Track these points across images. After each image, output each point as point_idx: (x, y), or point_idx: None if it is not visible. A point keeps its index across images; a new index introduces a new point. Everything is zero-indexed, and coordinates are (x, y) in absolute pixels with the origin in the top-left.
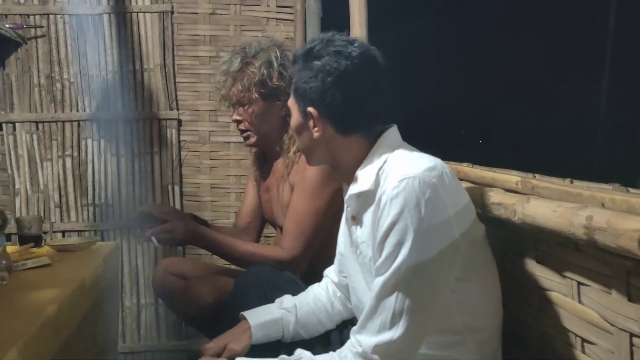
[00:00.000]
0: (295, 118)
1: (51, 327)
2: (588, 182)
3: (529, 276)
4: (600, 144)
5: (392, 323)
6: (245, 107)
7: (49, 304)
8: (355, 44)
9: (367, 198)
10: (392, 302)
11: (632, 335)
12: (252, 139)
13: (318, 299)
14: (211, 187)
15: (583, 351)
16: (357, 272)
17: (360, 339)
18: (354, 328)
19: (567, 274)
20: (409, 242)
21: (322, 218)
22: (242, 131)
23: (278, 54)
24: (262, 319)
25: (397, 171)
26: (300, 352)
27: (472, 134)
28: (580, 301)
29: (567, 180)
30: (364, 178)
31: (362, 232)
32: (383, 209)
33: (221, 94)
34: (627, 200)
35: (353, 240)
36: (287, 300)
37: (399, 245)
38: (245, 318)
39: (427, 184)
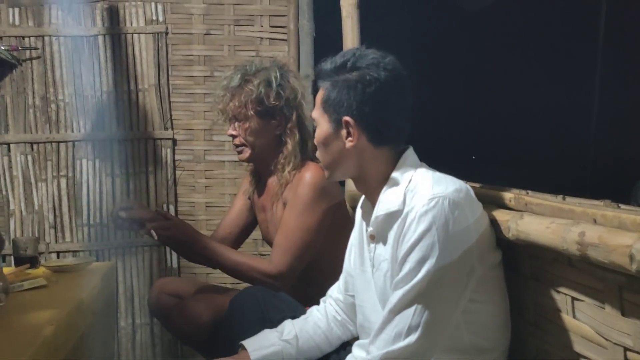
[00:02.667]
0: (323, 129)
1: (49, 348)
2: (580, 198)
3: (524, 292)
4: (592, 159)
5: (407, 334)
6: (241, 123)
7: (46, 325)
8: (388, 58)
9: (392, 217)
10: (410, 314)
11: (626, 349)
12: (246, 154)
13: (318, 325)
14: (206, 206)
15: None
16: (367, 291)
17: (370, 349)
18: (360, 341)
19: (562, 289)
20: (433, 259)
21: (313, 234)
22: (237, 145)
23: (278, 74)
24: (262, 352)
25: (426, 190)
26: None
27: (464, 150)
28: (574, 316)
29: (560, 197)
30: (391, 198)
31: (384, 250)
32: (410, 225)
33: (219, 108)
34: (618, 216)
35: (370, 259)
36: (287, 329)
37: (422, 260)
38: (245, 348)
39: (457, 205)
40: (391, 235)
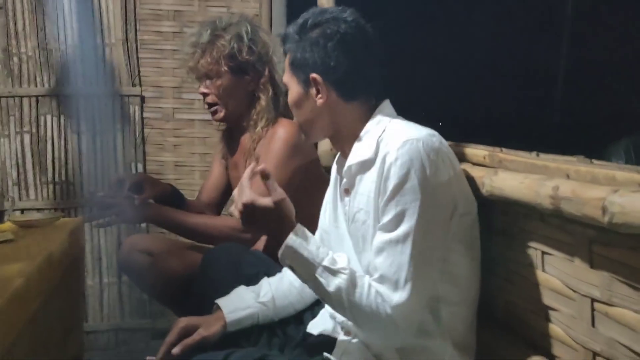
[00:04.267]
0: (294, 91)
1: (19, 300)
2: (553, 154)
3: (495, 248)
4: (559, 119)
5: (406, 281)
6: (213, 80)
7: (16, 277)
8: (348, 11)
9: (364, 167)
10: (406, 259)
11: (593, 300)
12: (220, 114)
13: (293, 285)
14: (175, 165)
15: (547, 318)
16: (341, 246)
17: (383, 292)
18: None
19: (532, 244)
20: (418, 202)
21: (285, 190)
22: (210, 105)
23: (249, 28)
24: (239, 314)
25: (399, 135)
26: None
27: (431, 116)
28: (544, 270)
29: (534, 153)
30: (363, 148)
31: (358, 201)
32: (389, 169)
33: (189, 66)
34: (591, 171)
35: (344, 214)
36: (264, 290)
37: (408, 204)
38: (219, 308)
39: (431, 147)
40: (365, 185)
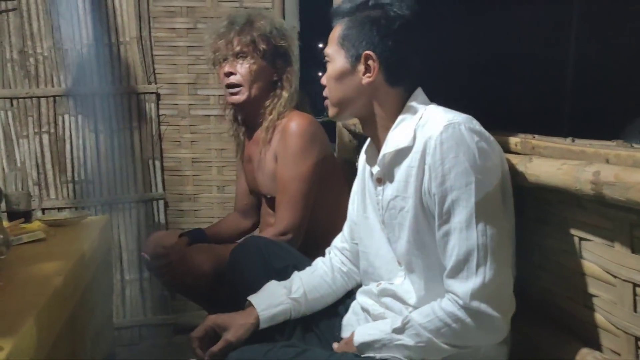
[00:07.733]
0: (338, 65)
1: (60, 298)
2: (590, 139)
3: (529, 235)
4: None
5: (478, 266)
6: (245, 60)
7: (54, 275)
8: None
9: (400, 155)
10: (473, 245)
11: (635, 285)
12: (242, 96)
13: (324, 279)
14: (192, 161)
15: (586, 305)
16: (370, 237)
17: (455, 288)
18: (364, 288)
19: (569, 230)
20: (473, 186)
21: (309, 183)
22: (233, 85)
23: (278, 22)
24: (271, 311)
25: (438, 120)
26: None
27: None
28: (582, 256)
29: (569, 139)
30: (400, 137)
31: (393, 188)
32: (434, 154)
33: (218, 44)
34: (632, 155)
35: (377, 203)
36: (295, 285)
37: (463, 188)
38: (252, 305)
39: (473, 130)
40: (401, 172)
